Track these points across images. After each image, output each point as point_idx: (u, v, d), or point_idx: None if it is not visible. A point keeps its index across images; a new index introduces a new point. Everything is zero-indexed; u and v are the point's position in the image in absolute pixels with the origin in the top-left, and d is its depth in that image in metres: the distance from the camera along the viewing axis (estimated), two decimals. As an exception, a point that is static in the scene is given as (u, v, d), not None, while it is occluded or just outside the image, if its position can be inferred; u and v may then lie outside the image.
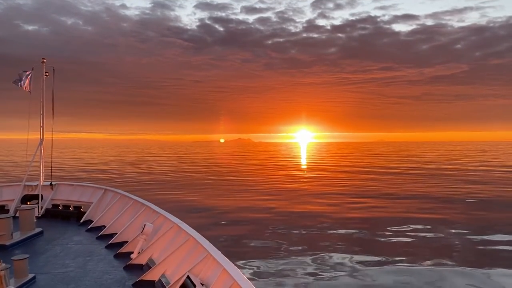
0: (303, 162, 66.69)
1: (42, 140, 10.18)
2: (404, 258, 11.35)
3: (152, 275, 5.28)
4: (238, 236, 13.86)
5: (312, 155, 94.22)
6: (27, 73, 9.78)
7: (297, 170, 47.90)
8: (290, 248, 12.27)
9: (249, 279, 4.09)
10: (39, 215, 9.55)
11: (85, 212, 9.26)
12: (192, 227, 5.91)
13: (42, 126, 10.17)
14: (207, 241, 5.23)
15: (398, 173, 40.72)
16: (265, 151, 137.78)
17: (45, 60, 10.07)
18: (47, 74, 10.10)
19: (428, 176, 37.07)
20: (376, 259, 11.21)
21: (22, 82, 9.63)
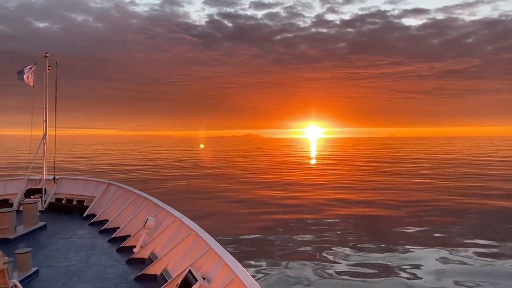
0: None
1: (45, 134, 10.20)
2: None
3: (154, 269, 5.30)
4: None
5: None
6: (30, 67, 9.78)
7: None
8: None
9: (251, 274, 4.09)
10: (43, 209, 9.60)
11: (88, 206, 9.30)
12: (194, 222, 5.91)
13: (45, 121, 10.19)
14: (209, 235, 5.23)
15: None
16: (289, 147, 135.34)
17: (48, 54, 10.05)
18: (50, 68, 10.09)
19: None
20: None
21: (26, 76, 9.64)
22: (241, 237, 13.29)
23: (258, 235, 13.48)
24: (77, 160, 55.11)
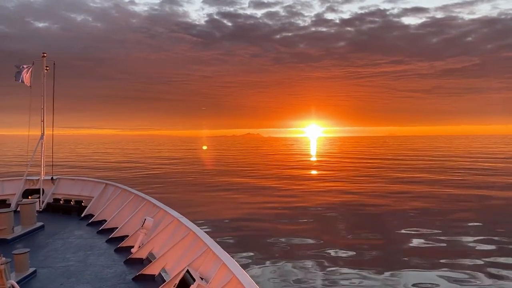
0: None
1: (43, 135, 10.18)
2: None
3: (152, 269, 5.28)
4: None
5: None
6: (27, 67, 9.74)
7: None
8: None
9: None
10: (40, 210, 9.57)
11: (86, 207, 9.27)
12: (192, 222, 5.90)
13: (43, 121, 10.16)
14: (207, 235, 5.22)
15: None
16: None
17: (45, 54, 10.02)
18: (48, 68, 10.07)
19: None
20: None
21: (22, 76, 9.60)
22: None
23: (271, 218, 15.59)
24: (83, 158, 56.18)
